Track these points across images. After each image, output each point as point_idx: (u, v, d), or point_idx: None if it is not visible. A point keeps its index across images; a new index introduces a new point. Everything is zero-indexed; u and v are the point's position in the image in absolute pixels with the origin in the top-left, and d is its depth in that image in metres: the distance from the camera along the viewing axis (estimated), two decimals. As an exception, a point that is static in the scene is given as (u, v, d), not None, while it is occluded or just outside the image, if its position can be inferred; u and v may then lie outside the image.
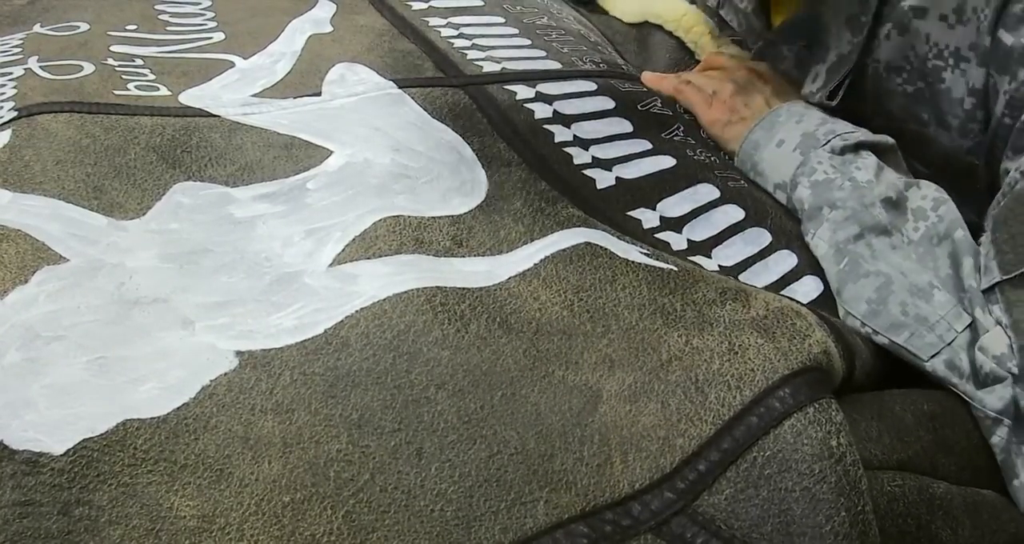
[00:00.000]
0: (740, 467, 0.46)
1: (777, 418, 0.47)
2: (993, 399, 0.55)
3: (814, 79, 0.73)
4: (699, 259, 0.62)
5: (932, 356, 0.57)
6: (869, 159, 0.65)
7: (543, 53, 0.79)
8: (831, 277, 0.61)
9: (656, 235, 0.63)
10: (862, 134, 0.67)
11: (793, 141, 0.68)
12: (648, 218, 0.65)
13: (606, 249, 0.57)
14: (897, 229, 0.61)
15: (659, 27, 0.92)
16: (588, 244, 0.57)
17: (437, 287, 0.53)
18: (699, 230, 0.64)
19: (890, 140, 0.67)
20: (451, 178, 0.62)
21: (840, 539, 0.45)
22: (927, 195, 0.63)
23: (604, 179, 0.67)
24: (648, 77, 0.79)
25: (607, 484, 0.46)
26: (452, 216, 0.59)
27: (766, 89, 0.75)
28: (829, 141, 0.66)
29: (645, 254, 0.58)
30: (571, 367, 0.50)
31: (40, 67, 0.69)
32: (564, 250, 0.57)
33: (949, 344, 0.57)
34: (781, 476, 0.46)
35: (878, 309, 0.58)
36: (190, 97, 0.67)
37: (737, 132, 0.72)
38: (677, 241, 0.63)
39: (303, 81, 0.70)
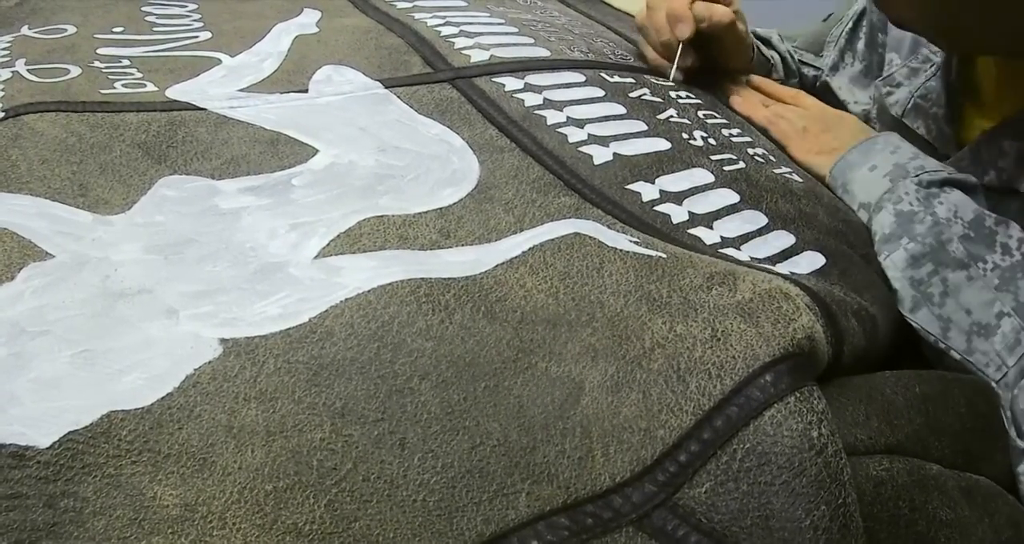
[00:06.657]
0: (720, 460, 0.46)
1: (757, 408, 0.47)
2: None
3: None
4: (701, 230, 0.62)
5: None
6: (952, 195, 0.67)
7: (531, 40, 0.79)
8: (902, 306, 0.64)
9: (656, 208, 0.63)
10: (948, 172, 0.69)
11: (885, 168, 0.71)
12: (648, 191, 0.64)
13: (595, 238, 0.57)
14: (977, 260, 0.63)
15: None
16: (577, 234, 0.57)
17: (422, 278, 0.52)
18: (699, 205, 0.64)
19: (973, 179, 0.70)
20: (440, 170, 0.62)
21: (820, 533, 0.45)
22: (1013, 235, 0.65)
23: (601, 154, 0.66)
24: (738, 102, 0.84)
25: (588, 477, 0.46)
26: (440, 209, 0.59)
27: (854, 128, 0.80)
28: (918, 175, 0.69)
29: (635, 242, 0.57)
30: (554, 358, 0.49)
31: (27, 70, 0.69)
32: (553, 240, 0.57)
33: (998, 382, 0.59)
34: (761, 469, 0.46)
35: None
36: (177, 92, 0.67)
37: (827, 160, 0.76)
38: (678, 213, 0.63)
39: (290, 79, 0.70)
